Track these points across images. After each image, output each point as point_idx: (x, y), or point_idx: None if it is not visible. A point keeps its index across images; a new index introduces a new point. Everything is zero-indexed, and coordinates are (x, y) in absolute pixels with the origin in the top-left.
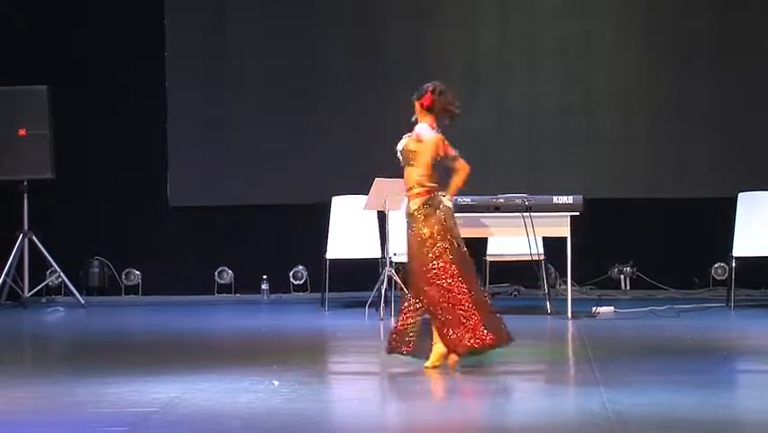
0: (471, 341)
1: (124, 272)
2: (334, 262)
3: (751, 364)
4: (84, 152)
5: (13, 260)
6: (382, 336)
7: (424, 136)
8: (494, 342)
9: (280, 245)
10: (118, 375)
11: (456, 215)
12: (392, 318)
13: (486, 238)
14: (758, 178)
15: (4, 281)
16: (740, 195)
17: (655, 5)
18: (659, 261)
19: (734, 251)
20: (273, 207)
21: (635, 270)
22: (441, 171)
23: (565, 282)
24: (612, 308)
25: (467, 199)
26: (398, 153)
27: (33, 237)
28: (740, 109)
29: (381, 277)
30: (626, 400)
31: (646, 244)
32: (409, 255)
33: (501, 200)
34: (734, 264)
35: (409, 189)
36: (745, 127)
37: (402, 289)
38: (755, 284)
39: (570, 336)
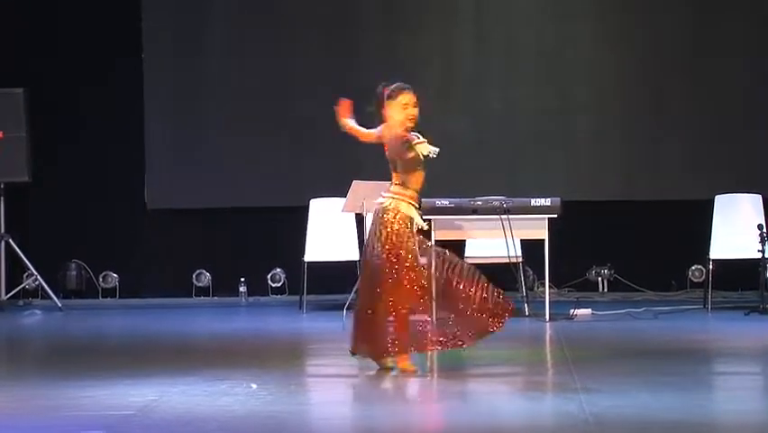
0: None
1: (102, 275)
2: (312, 264)
3: (728, 366)
4: (61, 154)
5: None
6: None
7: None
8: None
9: (258, 248)
10: (95, 378)
11: (434, 217)
12: None
13: (464, 241)
14: (735, 180)
15: None
16: (717, 197)
17: (630, 8)
18: (636, 263)
19: (711, 253)
20: (251, 210)
21: (612, 272)
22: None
23: (543, 284)
24: (590, 311)
25: (445, 202)
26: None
27: (10, 240)
28: (716, 112)
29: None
30: (603, 402)
31: (624, 247)
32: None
33: (479, 203)
34: (711, 267)
35: None
36: (721, 130)
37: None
38: (732, 286)
39: (547, 338)
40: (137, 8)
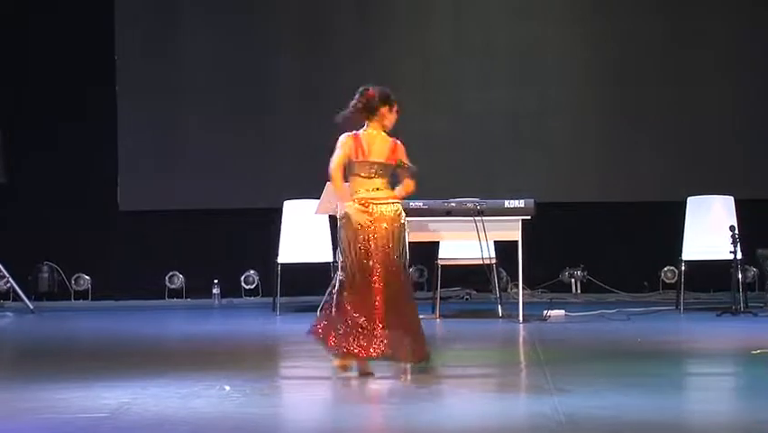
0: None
1: (74, 277)
2: (286, 266)
3: (700, 367)
4: (34, 156)
5: None
6: None
7: None
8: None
9: (231, 250)
10: (68, 381)
11: (408, 218)
12: None
13: (437, 242)
14: (707, 182)
15: None
16: (689, 199)
17: (607, 10)
18: (609, 264)
19: (683, 254)
20: (224, 212)
21: (585, 273)
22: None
23: (516, 286)
24: (563, 312)
25: (418, 203)
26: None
27: None
28: (690, 114)
29: (333, 281)
30: (576, 403)
31: (597, 248)
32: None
33: (453, 204)
34: (683, 268)
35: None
36: (694, 132)
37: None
38: (704, 287)
39: (521, 339)
40: (110, 8)
